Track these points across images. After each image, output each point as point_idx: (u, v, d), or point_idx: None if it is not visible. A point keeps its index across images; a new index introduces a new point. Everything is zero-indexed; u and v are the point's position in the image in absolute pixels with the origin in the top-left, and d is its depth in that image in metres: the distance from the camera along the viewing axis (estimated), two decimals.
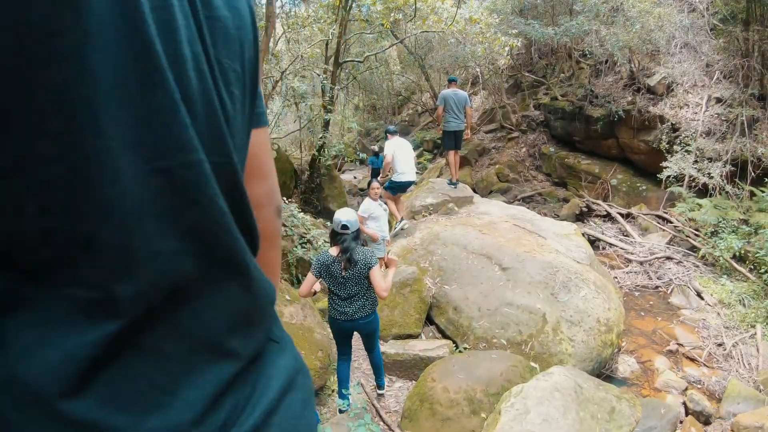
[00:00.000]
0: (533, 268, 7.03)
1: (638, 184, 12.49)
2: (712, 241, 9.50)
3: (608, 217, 11.87)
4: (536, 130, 14.78)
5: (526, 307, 6.50)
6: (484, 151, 15.02)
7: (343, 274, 4.45)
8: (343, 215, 4.60)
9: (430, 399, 4.94)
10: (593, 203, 12.23)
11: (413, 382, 5.69)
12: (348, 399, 4.87)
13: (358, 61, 13.12)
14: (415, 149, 16.17)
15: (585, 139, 13.55)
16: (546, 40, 13.54)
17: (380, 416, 5.22)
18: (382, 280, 4.44)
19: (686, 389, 6.49)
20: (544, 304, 6.56)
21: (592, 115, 13.05)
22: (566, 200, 12.71)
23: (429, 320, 6.93)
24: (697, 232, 10.11)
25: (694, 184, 10.46)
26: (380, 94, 19.46)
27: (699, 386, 6.63)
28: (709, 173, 10.26)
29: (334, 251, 4.51)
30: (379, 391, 5.66)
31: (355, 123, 14.24)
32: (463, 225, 8.04)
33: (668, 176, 10.57)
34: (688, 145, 10.77)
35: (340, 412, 4.92)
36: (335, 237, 4.58)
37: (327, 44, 11.81)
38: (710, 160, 10.51)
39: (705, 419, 6.00)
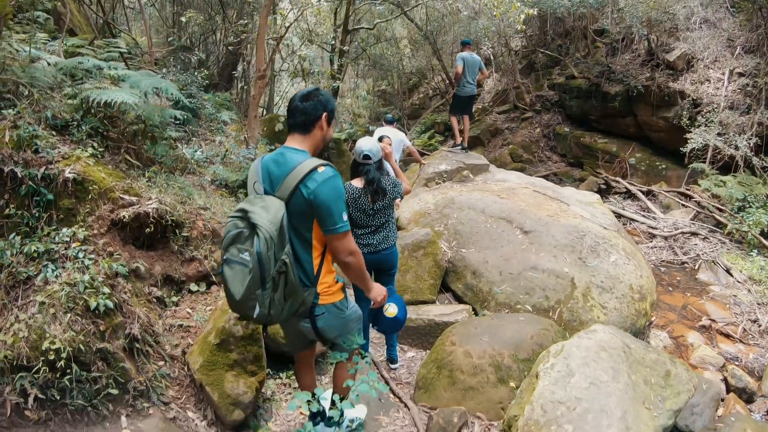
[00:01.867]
0: (558, 231, 6.19)
1: (657, 163, 11.71)
2: (739, 216, 8.92)
3: (628, 195, 11.07)
4: (551, 111, 13.99)
5: (553, 271, 5.66)
6: (497, 131, 14.23)
7: (372, 206, 4.11)
8: (365, 144, 4.07)
9: (449, 365, 4.09)
10: (612, 180, 11.42)
11: (428, 352, 4.83)
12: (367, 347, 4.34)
13: (368, 28, 12.41)
14: (425, 132, 15.52)
15: (602, 118, 12.78)
16: (562, 13, 12.78)
17: (390, 389, 4.39)
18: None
19: (723, 366, 5.80)
20: (571, 268, 5.73)
21: (609, 92, 12.29)
22: (582, 180, 11.89)
23: (444, 288, 6.05)
24: (722, 208, 9.44)
25: (718, 157, 9.79)
26: (391, 77, 18.86)
27: (737, 363, 5.95)
28: (735, 145, 9.52)
29: (358, 183, 4.16)
30: (392, 366, 4.79)
31: (366, 96, 13.51)
32: (480, 191, 7.20)
33: (692, 149, 9.83)
34: (711, 121, 10.02)
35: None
36: (357, 168, 4.21)
37: (336, 12, 11.08)
38: (735, 134, 9.82)
39: (748, 397, 5.34)
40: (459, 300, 5.91)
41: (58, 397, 3.28)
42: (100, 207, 4.03)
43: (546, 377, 3.32)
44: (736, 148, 9.51)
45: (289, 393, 4.13)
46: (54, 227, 3.75)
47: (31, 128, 3.90)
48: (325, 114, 2.76)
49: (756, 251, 8.34)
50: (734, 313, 6.91)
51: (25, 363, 3.19)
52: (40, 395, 3.21)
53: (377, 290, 3.09)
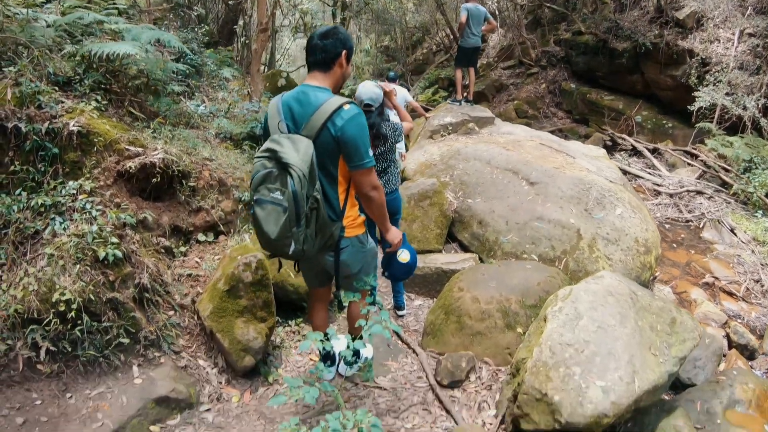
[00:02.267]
0: (564, 183, 6.16)
1: (664, 122, 11.59)
2: (745, 177, 8.87)
3: (634, 152, 10.97)
4: (556, 66, 13.76)
5: (559, 222, 5.65)
6: (502, 87, 14.04)
7: (374, 152, 3.98)
8: (365, 92, 3.98)
9: (457, 311, 4.11)
10: (618, 137, 11.31)
11: (435, 300, 4.86)
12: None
13: None
14: (429, 87, 15.32)
15: (608, 74, 12.58)
16: None
17: (398, 335, 4.42)
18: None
19: (726, 322, 5.79)
20: (577, 219, 5.72)
21: (617, 48, 12.05)
22: (588, 136, 11.77)
23: (451, 237, 6.06)
24: (728, 169, 9.37)
25: (726, 117, 9.69)
26: (394, 32, 18.54)
27: (739, 321, 5.95)
28: (743, 105, 9.41)
29: None
30: (399, 312, 4.84)
31: (370, 51, 13.27)
32: (485, 143, 7.14)
33: (699, 108, 9.71)
34: (720, 81, 9.87)
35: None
36: None
37: None
38: (743, 94, 9.68)
39: (749, 354, 5.35)
40: (465, 249, 5.93)
41: (69, 349, 3.32)
42: (105, 159, 4.01)
43: (554, 320, 3.33)
44: (744, 108, 9.40)
45: (299, 340, 4.18)
46: (60, 181, 3.74)
47: (33, 85, 3.86)
48: (344, 51, 2.77)
49: (761, 212, 8.30)
50: (738, 272, 6.90)
51: (35, 316, 3.23)
52: (51, 348, 3.27)
53: (394, 232, 3.17)
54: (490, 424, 3.42)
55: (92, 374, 3.39)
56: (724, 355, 5.13)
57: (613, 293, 3.60)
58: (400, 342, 4.33)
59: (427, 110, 9.63)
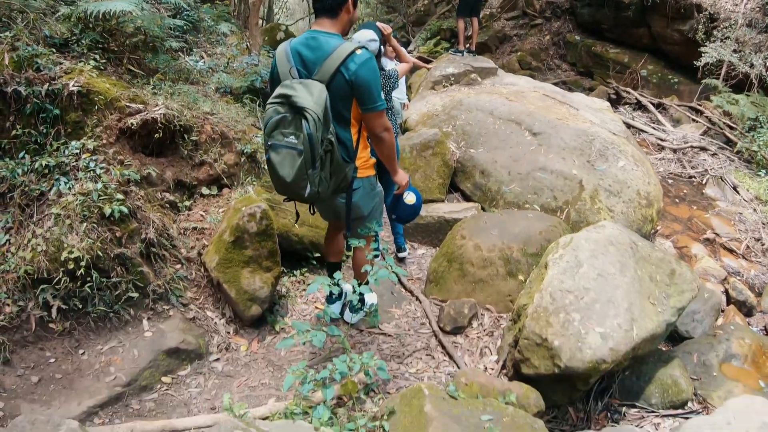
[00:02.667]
0: (567, 134, 6.14)
1: (670, 77, 11.41)
2: (750, 135, 8.81)
3: (638, 106, 10.86)
4: (561, 18, 13.47)
5: (561, 173, 5.67)
6: (506, 38, 13.78)
7: None
8: (361, 39, 3.94)
9: (459, 258, 4.17)
10: (623, 91, 11.17)
11: (437, 249, 4.93)
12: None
13: None
14: (431, 38, 15.05)
15: (614, 27, 12.31)
16: None
17: (401, 283, 4.50)
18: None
19: (725, 278, 5.87)
20: (580, 170, 5.73)
21: (623, 0, 11.78)
22: (592, 89, 11.62)
23: (453, 188, 6.10)
24: (732, 126, 9.31)
25: (733, 74, 9.54)
26: None
27: (738, 277, 6.02)
28: (750, 62, 9.26)
29: None
30: (399, 254, 4.92)
31: (370, 2, 13.00)
32: (488, 93, 7.08)
33: (705, 64, 9.55)
34: (727, 37, 9.69)
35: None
36: None
37: None
38: (751, 52, 9.51)
39: (747, 310, 5.45)
40: (467, 199, 5.98)
41: (80, 306, 3.41)
42: (107, 117, 4.03)
43: (555, 267, 3.39)
44: (751, 66, 9.25)
45: (304, 289, 4.27)
46: (63, 141, 3.77)
47: (30, 48, 3.85)
48: None
49: (764, 171, 8.27)
50: (739, 229, 6.95)
51: (45, 276, 3.29)
52: (62, 306, 3.35)
53: (402, 174, 3.26)
54: (492, 369, 3.53)
55: (103, 330, 3.49)
56: (722, 311, 5.22)
57: (613, 242, 3.65)
58: (403, 290, 4.41)
59: (428, 61, 9.51)
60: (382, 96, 2.81)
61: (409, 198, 3.43)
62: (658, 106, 10.67)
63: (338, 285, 2.97)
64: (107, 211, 3.49)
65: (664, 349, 4.24)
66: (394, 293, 4.29)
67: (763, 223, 7.04)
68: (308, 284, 4.25)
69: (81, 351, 3.37)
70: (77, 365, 3.30)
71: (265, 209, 3.74)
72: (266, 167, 2.90)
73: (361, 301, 3.82)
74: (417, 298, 4.26)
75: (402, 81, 6.29)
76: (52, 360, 3.28)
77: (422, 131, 5.99)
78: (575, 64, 12.82)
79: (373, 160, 3.15)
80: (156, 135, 4.15)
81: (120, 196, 3.62)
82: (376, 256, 3.23)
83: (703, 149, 8.91)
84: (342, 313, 3.88)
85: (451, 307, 3.92)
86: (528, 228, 4.33)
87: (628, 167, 6.02)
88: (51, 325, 3.36)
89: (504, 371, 3.50)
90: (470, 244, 4.17)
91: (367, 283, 3.00)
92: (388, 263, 2.96)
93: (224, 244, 3.69)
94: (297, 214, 3.26)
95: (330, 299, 3.84)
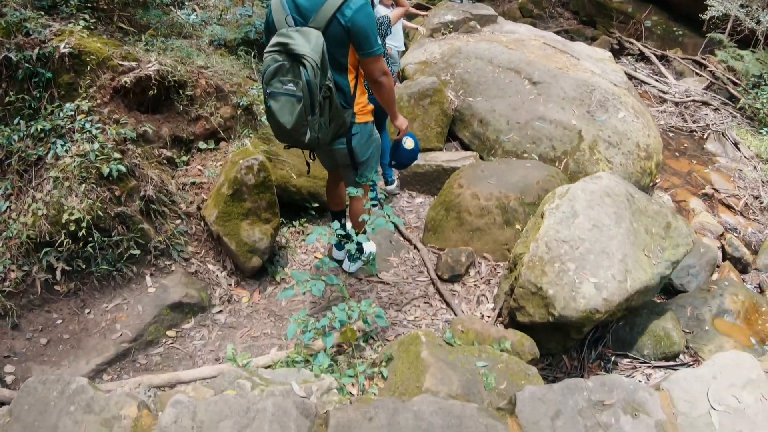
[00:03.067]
0: (567, 84, 6.09)
1: (674, 29, 11.22)
2: (753, 93, 8.75)
3: (641, 57, 10.70)
4: None
5: (560, 123, 5.65)
6: None
7: None
8: None
9: (457, 207, 4.21)
10: (626, 41, 11.01)
11: (435, 197, 4.96)
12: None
13: None
14: None
15: None
16: None
17: (399, 232, 4.55)
18: None
19: (722, 234, 5.92)
20: (579, 121, 5.71)
21: None
22: (594, 39, 11.45)
23: (452, 136, 6.10)
24: (736, 82, 9.21)
25: (738, 29, 9.41)
26: None
27: (735, 234, 6.08)
28: (757, 19, 9.08)
29: None
30: (388, 188, 5.01)
31: None
32: (488, 41, 6.98)
33: (711, 17, 9.37)
34: None
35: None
36: None
37: None
38: (758, 8, 9.39)
39: (742, 267, 5.51)
40: (466, 148, 5.99)
41: (83, 267, 3.47)
42: (100, 77, 4.01)
43: (551, 217, 3.43)
44: (758, 22, 9.14)
45: (303, 239, 4.33)
46: (57, 104, 3.77)
47: (17, 13, 3.80)
48: None
49: (766, 129, 8.24)
50: (738, 186, 6.97)
51: (48, 239, 3.34)
52: (66, 268, 3.40)
53: (402, 120, 3.33)
54: (488, 316, 3.62)
55: (107, 288, 3.56)
56: (718, 266, 5.26)
57: (610, 194, 3.67)
58: (402, 238, 4.47)
59: (427, 9, 9.31)
60: (379, 41, 2.84)
61: (408, 143, 3.51)
62: (661, 58, 10.51)
63: (344, 228, 3.03)
64: (105, 170, 3.52)
65: (658, 301, 4.31)
66: (392, 242, 4.35)
67: (763, 181, 7.07)
68: (308, 234, 4.31)
69: (87, 310, 3.45)
70: (84, 325, 3.39)
71: (262, 161, 3.76)
72: (266, 116, 2.95)
73: (359, 250, 3.90)
74: (415, 247, 4.32)
75: (399, 28, 6.21)
76: (59, 321, 3.36)
77: (420, 79, 5.94)
78: (578, 12, 12.60)
79: (371, 106, 3.21)
80: (150, 92, 4.13)
81: (117, 155, 3.64)
82: (374, 205, 3.27)
83: (706, 104, 8.86)
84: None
85: (448, 255, 3.98)
86: (525, 177, 4.36)
87: (629, 119, 5.99)
88: (56, 287, 3.43)
89: (500, 319, 3.59)
90: (468, 192, 4.20)
91: (365, 232, 3.06)
92: (385, 212, 3.00)
93: (223, 198, 3.73)
94: (308, 165, 3.36)
95: (339, 246, 3.93)
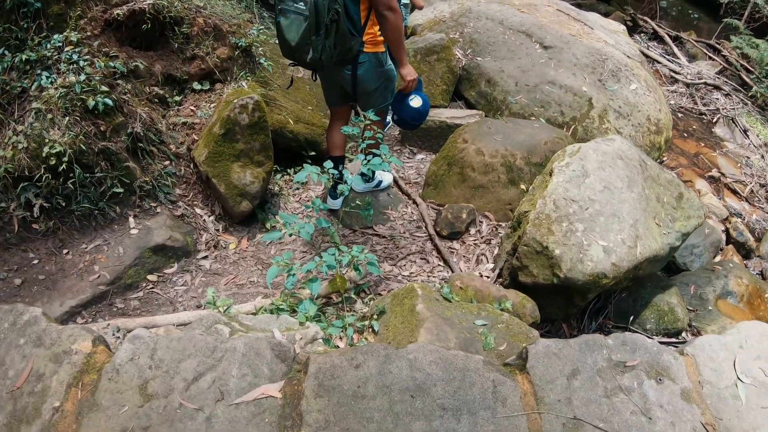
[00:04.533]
0: (579, 51, 5.77)
1: (690, 11, 10.85)
2: (767, 81, 8.41)
3: (654, 36, 10.31)
4: None
5: (570, 88, 5.35)
6: None
7: None
8: None
9: (460, 162, 3.93)
10: (640, 19, 10.58)
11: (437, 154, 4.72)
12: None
13: None
14: None
15: None
16: None
17: (398, 185, 4.27)
18: None
19: (727, 218, 5.67)
20: (590, 88, 5.41)
21: None
22: (607, 15, 11.03)
23: (457, 96, 5.79)
24: (750, 69, 8.86)
25: (756, 17, 9.04)
26: None
27: (740, 219, 5.82)
28: None
29: None
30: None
31: None
32: (499, 3, 6.63)
33: (729, 1, 8.98)
34: None
35: None
36: None
37: None
38: None
39: (745, 253, 5.27)
40: (471, 108, 5.68)
41: (63, 204, 3.23)
42: (91, 9, 3.73)
43: (560, 174, 3.17)
44: None
45: (297, 188, 4.06)
46: (44, 35, 3.51)
47: None
48: None
49: None
50: (744, 173, 6.71)
51: (27, 174, 3.10)
52: (45, 204, 3.18)
53: (410, 69, 3.19)
54: (488, 277, 3.37)
55: (88, 228, 3.33)
56: (721, 249, 5.07)
57: (622, 157, 3.40)
58: (400, 192, 4.20)
59: None
60: None
61: (415, 101, 3.25)
62: (675, 39, 10.13)
63: (342, 177, 2.83)
64: (91, 103, 3.27)
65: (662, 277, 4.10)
66: (390, 194, 4.07)
67: None
68: (302, 183, 4.04)
69: (65, 251, 3.23)
70: (61, 265, 3.17)
71: (257, 100, 3.48)
72: (276, 32, 2.99)
73: (372, 175, 3.78)
74: (414, 201, 4.05)
75: None
76: (36, 261, 3.15)
77: (427, 35, 5.63)
78: None
79: (383, 38, 3.12)
80: (144, 26, 3.84)
81: (105, 88, 3.38)
82: (374, 146, 3.05)
83: (717, 88, 8.54)
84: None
85: (449, 211, 3.72)
86: (533, 137, 4.08)
87: (640, 91, 5.71)
88: (34, 225, 3.20)
89: (500, 280, 3.34)
90: (472, 148, 3.92)
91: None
92: (383, 152, 2.74)
93: (214, 137, 3.46)
94: (314, 75, 3.33)
95: (334, 194, 3.73)
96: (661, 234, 3.25)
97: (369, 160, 2.84)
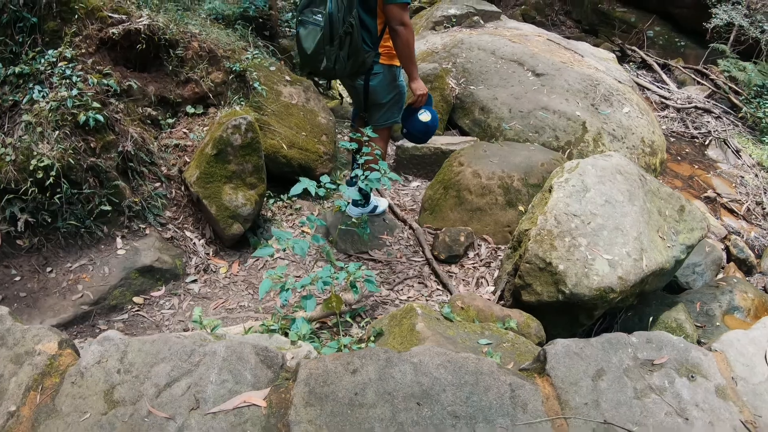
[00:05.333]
0: (571, 77, 5.74)
1: (676, 39, 10.91)
2: (756, 102, 8.40)
3: (643, 65, 10.38)
4: None
5: (564, 113, 5.28)
6: None
7: None
8: None
9: (456, 186, 3.80)
10: (628, 49, 10.68)
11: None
12: None
13: None
14: None
15: None
16: None
17: (393, 211, 4.12)
18: None
19: (726, 237, 5.56)
20: (583, 112, 5.36)
21: None
22: (596, 46, 11.14)
23: (451, 125, 5.72)
24: (738, 91, 8.89)
25: (742, 39, 9.09)
26: None
27: (739, 237, 5.72)
28: (761, 28, 8.81)
29: None
30: None
31: None
32: (491, 35, 6.63)
33: (714, 28, 9.09)
34: (739, 2, 9.21)
35: None
36: None
37: None
38: (764, 19, 9.13)
39: (747, 269, 5.15)
40: (465, 135, 5.58)
41: (49, 220, 3.09)
42: (87, 27, 3.64)
43: (560, 190, 3.04)
44: (762, 32, 8.85)
45: (291, 214, 3.90)
46: (39, 50, 3.41)
47: None
48: None
49: None
50: (740, 192, 6.65)
51: (13, 187, 2.96)
52: (30, 220, 3.02)
53: (421, 84, 3.24)
54: (488, 299, 3.20)
55: (73, 247, 3.17)
56: (722, 267, 4.96)
57: (621, 171, 3.30)
58: (395, 218, 4.04)
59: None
60: None
61: (424, 116, 3.26)
62: (663, 66, 10.20)
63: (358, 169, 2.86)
64: (82, 118, 3.14)
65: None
66: (386, 220, 3.91)
67: (765, 189, 6.74)
68: (296, 209, 3.89)
69: (48, 269, 3.06)
70: (43, 284, 3.00)
71: (250, 121, 3.36)
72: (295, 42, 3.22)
73: (365, 197, 3.68)
74: (410, 227, 3.90)
75: None
76: (18, 278, 2.98)
77: (421, 65, 5.56)
78: (580, 21, 12.29)
79: None
80: (139, 46, 3.76)
81: (96, 104, 3.27)
82: (373, 161, 2.96)
83: (708, 111, 8.54)
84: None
85: (446, 234, 3.57)
86: (529, 158, 3.97)
87: (633, 114, 5.67)
88: (18, 241, 3.04)
89: (501, 302, 3.17)
90: (468, 170, 3.80)
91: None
92: (381, 167, 2.60)
93: (206, 158, 3.32)
94: (341, 96, 3.54)
95: (351, 182, 3.81)
96: (665, 247, 3.12)
97: (367, 176, 2.72)
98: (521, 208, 3.68)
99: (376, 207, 3.87)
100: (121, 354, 1.50)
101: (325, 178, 2.62)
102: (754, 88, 8.58)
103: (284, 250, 2.35)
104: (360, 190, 3.41)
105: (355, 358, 1.59)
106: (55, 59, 3.37)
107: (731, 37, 9.26)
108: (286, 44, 6.05)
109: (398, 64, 3.19)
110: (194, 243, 3.47)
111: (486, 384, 1.54)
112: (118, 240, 3.25)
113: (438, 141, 4.91)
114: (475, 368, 1.58)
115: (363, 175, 2.68)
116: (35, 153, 2.99)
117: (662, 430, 1.45)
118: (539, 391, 1.56)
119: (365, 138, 3.02)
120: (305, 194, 4.04)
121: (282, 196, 4.01)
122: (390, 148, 4.76)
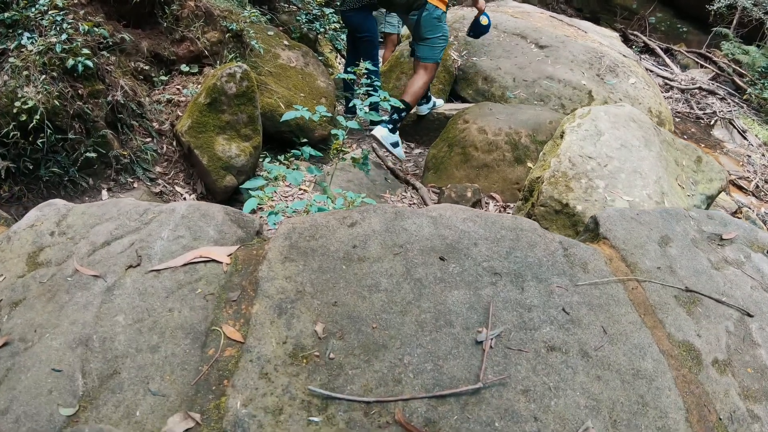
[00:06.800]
0: (575, 48, 5.50)
1: (678, 25, 10.68)
2: (760, 83, 8.17)
3: (646, 50, 10.13)
4: None
5: (569, 82, 5.03)
6: None
7: None
8: None
9: (461, 142, 3.54)
10: (630, 34, 10.42)
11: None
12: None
13: None
14: None
15: None
16: None
17: (394, 174, 3.85)
18: None
19: (737, 211, 5.30)
20: (589, 82, 5.10)
21: None
22: None
23: (454, 96, 5.46)
24: (742, 73, 8.65)
25: (745, 21, 8.88)
26: None
27: (750, 210, 5.51)
28: (765, 8, 8.57)
29: None
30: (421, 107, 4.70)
31: None
32: (492, 11, 6.39)
33: (717, 10, 8.84)
34: None
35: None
36: None
37: None
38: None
39: None
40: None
41: (31, 168, 2.85)
42: None
43: (573, 134, 2.79)
44: (766, 12, 8.63)
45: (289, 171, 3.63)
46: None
47: None
48: None
49: None
50: (747, 171, 6.44)
51: None
52: (11, 166, 2.78)
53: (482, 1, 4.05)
54: None
55: (56, 197, 2.92)
56: None
57: (635, 119, 3.06)
58: (398, 180, 3.77)
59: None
60: None
61: (483, 20, 4.21)
62: (665, 51, 9.96)
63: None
64: (70, 63, 2.94)
65: None
66: (388, 179, 3.65)
67: None
68: (293, 169, 3.63)
69: None
70: None
71: (246, 69, 3.13)
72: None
73: (397, 110, 3.80)
74: (413, 186, 3.62)
75: None
76: None
77: None
78: (581, 9, 12.04)
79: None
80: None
81: (86, 51, 3.04)
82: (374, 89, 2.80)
83: (712, 93, 8.30)
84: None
85: (452, 189, 3.29)
86: (537, 116, 3.72)
87: (639, 86, 5.42)
88: None
89: None
90: (474, 127, 3.55)
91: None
92: (381, 94, 2.35)
93: (199, 107, 3.08)
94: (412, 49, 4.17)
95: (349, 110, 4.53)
96: (685, 195, 2.90)
97: (359, 108, 2.47)
98: (530, 164, 3.42)
99: (435, 102, 4.61)
100: (60, 217, 1.25)
101: (321, 108, 2.37)
102: (758, 69, 8.35)
103: (276, 179, 2.09)
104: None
105: (354, 212, 1.27)
106: (46, 8, 3.17)
107: (734, 21, 9.02)
108: (285, 19, 5.83)
109: (444, 8, 3.70)
110: (185, 198, 3.23)
111: (530, 240, 1.24)
112: (104, 192, 3.03)
113: (440, 108, 4.67)
114: (513, 224, 1.27)
115: (363, 102, 2.43)
116: (20, 95, 2.78)
117: (754, 303, 1.19)
118: (599, 251, 1.27)
119: (364, 71, 2.77)
120: (304, 154, 3.83)
121: (279, 158, 3.76)
122: None
